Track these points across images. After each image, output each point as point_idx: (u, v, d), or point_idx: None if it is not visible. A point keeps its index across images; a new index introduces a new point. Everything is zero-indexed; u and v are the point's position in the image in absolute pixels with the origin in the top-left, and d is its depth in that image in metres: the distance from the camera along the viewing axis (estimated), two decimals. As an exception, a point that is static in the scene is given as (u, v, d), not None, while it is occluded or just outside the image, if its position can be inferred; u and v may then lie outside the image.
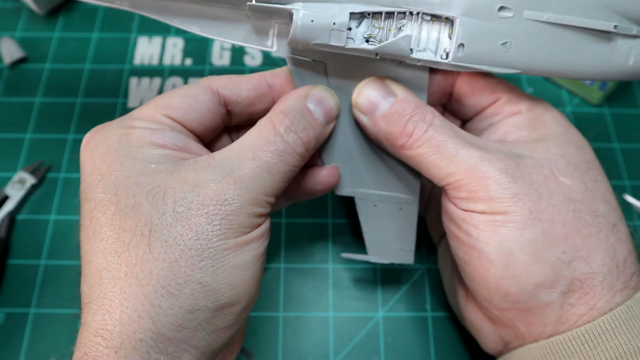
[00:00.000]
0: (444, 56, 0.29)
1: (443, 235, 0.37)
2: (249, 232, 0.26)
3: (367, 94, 0.30)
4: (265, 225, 0.27)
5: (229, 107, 0.30)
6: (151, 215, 0.24)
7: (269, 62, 0.49)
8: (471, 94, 0.32)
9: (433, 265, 0.40)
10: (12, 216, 0.40)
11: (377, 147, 0.32)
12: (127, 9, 0.30)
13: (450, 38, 0.29)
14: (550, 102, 0.48)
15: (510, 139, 0.30)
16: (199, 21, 0.30)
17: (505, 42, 0.29)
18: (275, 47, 0.30)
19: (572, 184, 0.28)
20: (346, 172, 0.33)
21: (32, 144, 0.44)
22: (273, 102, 0.30)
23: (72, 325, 0.37)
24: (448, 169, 0.28)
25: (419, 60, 0.29)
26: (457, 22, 0.28)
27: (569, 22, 0.29)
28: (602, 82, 0.44)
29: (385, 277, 0.39)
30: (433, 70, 0.31)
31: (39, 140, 0.44)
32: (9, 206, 0.40)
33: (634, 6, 0.29)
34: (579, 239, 0.26)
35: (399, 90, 0.30)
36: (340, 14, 0.27)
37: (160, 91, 0.47)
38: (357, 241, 0.41)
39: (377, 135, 0.30)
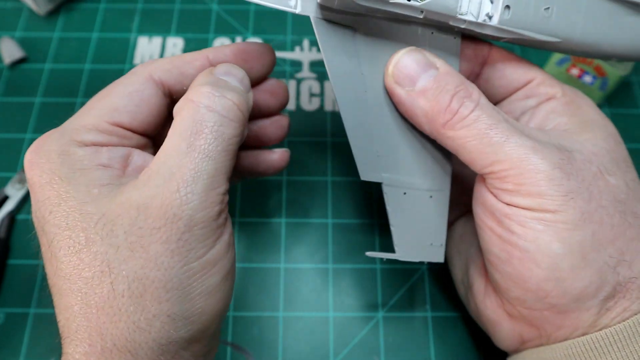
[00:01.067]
0: (487, 20, 0.28)
1: (453, 221, 0.36)
2: (213, 247, 0.24)
3: (407, 64, 0.27)
4: (227, 232, 0.25)
5: (175, 97, 0.28)
6: (106, 252, 0.22)
7: (269, 62, 0.49)
8: (504, 71, 0.30)
9: (433, 265, 0.40)
10: (12, 216, 0.40)
11: (407, 127, 0.29)
12: None
13: (492, 2, 0.27)
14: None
15: (549, 127, 0.29)
16: None
17: (548, 8, 0.28)
18: (300, 7, 0.26)
19: (617, 184, 0.26)
20: (372, 154, 0.29)
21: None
22: None
23: (72, 325, 0.37)
24: (495, 156, 0.25)
25: (464, 21, 0.27)
26: None
27: None
28: (602, 82, 0.44)
29: (385, 277, 0.39)
30: (464, 43, 0.29)
31: (39, 140, 0.44)
32: (9, 206, 0.40)
33: None
34: (624, 241, 0.25)
35: (440, 63, 0.27)
36: None
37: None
38: (357, 241, 0.41)
39: (415, 111, 0.27)
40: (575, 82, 0.46)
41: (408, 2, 0.26)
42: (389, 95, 0.28)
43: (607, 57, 0.32)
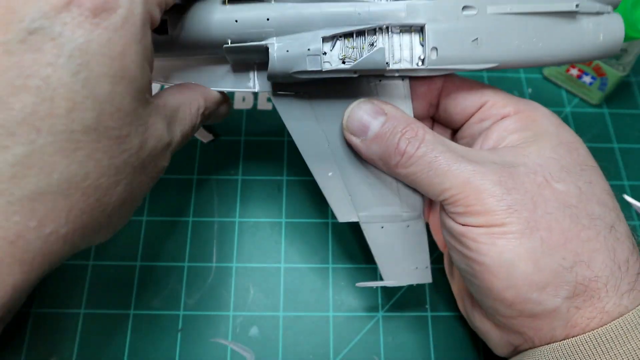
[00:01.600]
0: (420, 63, 0.30)
1: None
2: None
3: (357, 116, 0.30)
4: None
5: None
6: None
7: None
8: (458, 99, 0.32)
9: (432, 265, 0.40)
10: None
11: (371, 167, 0.32)
12: None
13: (422, 45, 0.30)
14: (550, 103, 0.48)
15: (502, 145, 0.30)
16: (181, 74, 0.32)
17: (476, 39, 0.30)
18: (257, 87, 0.32)
19: (566, 189, 0.28)
20: (345, 198, 0.32)
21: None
22: None
23: (72, 325, 0.37)
24: (442, 185, 0.28)
25: (397, 70, 0.30)
26: (426, 28, 0.29)
27: (531, 9, 0.30)
28: (601, 82, 0.45)
29: (385, 277, 0.39)
30: (416, 82, 0.32)
31: (40, 140, 0.44)
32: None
33: None
34: (578, 243, 0.26)
35: (388, 108, 0.30)
36: (313, 40, 0.28)
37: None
38: (357, 241, 0.41)
39: (371, 157, 0.30)
40: (574, 82, 0.47)
41: (341, 67, 0.29)
42: (348, 144, 0.31)
43: (552, 65, 0.34)
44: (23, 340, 0.37)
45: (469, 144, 0.32)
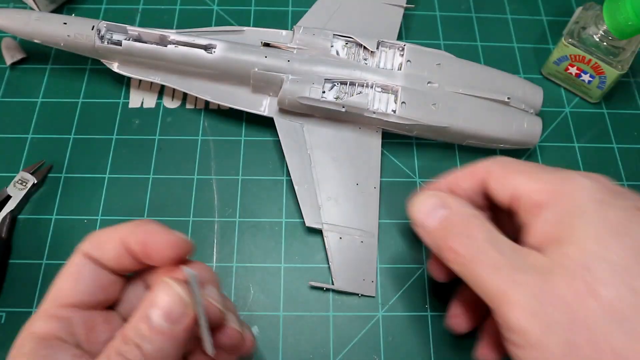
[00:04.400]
0: (392, 112, 0.40)
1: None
2: None
3: (424, 207, 0.31)
4: None
5: (109, 268, 0.29)
6: None
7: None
8: (494, 192, 0.31)
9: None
10: (13, 216, 0.41)
11: (343, 193, 0.40)
12: (158, 82, 0.43)
13: (395, 102, 0.41)
14: (549, 102, 0.48)
15: (540, 239, 0.27)
16: (211, 92, 0.43)
17: (435, 104, 0.40)
18: (267, 111, 0.42)
19: (615, 295, 0.23)
20: (315, 209, 0.39)
21: (33, 144, 0.44)
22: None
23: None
24: (486, 291, 0.27)
25: (374, 112, 0.40)
26: (399, 89, 0.41)
27: (476, 93, 0.42)
28: (600, 80, 0.45)
29: (385, 276, 0.40)
30: (462, 176, 0.33)
31: (40, 140, 0.44)
32: (10, 206, 0.41)
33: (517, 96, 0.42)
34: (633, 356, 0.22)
35: (453, 202, 0.30)
36: (317, 79, 0.40)
37: (161, 91, 0.47)
38: (357, 241, 0.41)
39: (429, 244, 0.31)
40: (573, 81, 0.47)
41: (334, 101, 0.40)
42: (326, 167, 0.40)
43: (491, 141, 0.42)
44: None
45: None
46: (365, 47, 0.42)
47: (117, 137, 0.44)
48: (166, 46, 0.41)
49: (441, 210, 0.30)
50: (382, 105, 0.40)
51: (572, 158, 0.45)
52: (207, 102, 0.46)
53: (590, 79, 0.45)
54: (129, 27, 0.41)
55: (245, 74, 0.41)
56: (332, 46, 0.42)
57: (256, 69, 0.40)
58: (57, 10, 0.51)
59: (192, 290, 0.26)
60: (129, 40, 0.41)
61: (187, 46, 0.41)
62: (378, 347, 0.37)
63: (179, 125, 0.45)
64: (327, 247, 0.39)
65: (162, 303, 0.25)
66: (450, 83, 0.41)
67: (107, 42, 0.41)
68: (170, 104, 0.46)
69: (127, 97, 0.46)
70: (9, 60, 0.47)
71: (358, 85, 0.41)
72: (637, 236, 0.24)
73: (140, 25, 0.50)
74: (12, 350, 0.26)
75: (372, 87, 0.41)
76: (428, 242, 0.31)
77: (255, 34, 0.44)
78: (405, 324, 0.38)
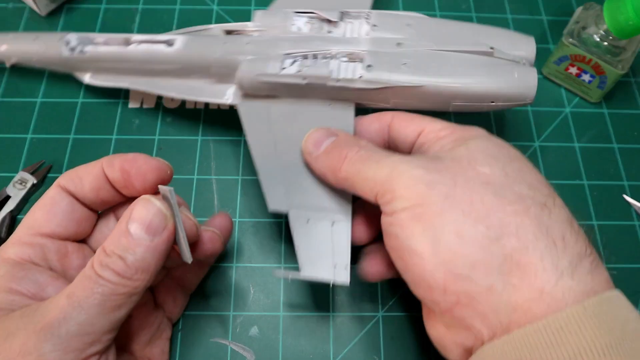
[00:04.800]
0: (358, 77, 0.36)
1: None
2: None
3: (313, 137, 0.34)
4: None
5: (84, 202, 0.31)
6: None
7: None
8: (399, 132, 0.34)
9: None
10: (13, 216, 0.41)
11: (310, 173, 0.35)
12: (126, 87, 0.42)
13: (362, 69, 0.36)
14: (550, 102, 0.48)
15: (433, 150, 0.32)
16: (176, 88, 0.41)
17: (405, 63, 0.36)
18: (231, 99, 0.40)
19: (492, 172, 0.27)
20: (280, 191, 0.35)
21: (33, 144, 0.44)
22: (128, 186, 0.30)
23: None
24: (375, 178, 0.29)
25: (338, 79, 0.36)
26: (365, 53, 0.37)
27: (453, 49, 0.37)
28: (600, 80, 0.45)
29: (385, 276, 0.40)
30: (369, 120, 0.36)
31: (40, 140, 0.44)
32: (10, 206, 0.41)
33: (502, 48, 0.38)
34: (503, 215, 0.26)
35: (340, 132, 0.34)
36: (276, 55, 0.38)
37: (161, 91, 0.47)
38: (357, 241, 0.41)
39: (321, 169, 0.33)
40: (573, 81, 0.47)
41: (291, 73, 0.37)
42: (306, 164, 0.35)
43: (478, 99, 0.36)
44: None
45: None
46: (329, 20, 0.39)
47: (117, 137, 0.44)
48: (128, 46, 0.40)
49: (332, 136, 0.33)
50: (349, 73, 0.36)
51: (572, 158, 0.45)
52: (207, 103, 0.46)
53: (591, 79, 0.45)
54: (95, 35, 0.41)
55: (207, 64, 0.39)
56: (293, 24, 0.40)
57: (215, 56, 0.39)
58: (57, 10, 0.51)
59: (170, 205, 0.27)
60: (95, 46, 0.41)
61: (148, 43, 0.40)
62: (378, 347, 0.37)
63: (179, 125, 0.45)
64: (292, 231, 0.34)
65: (142, 216, 0.27)
66: (423, 42, 0.38)
67: (76, 52, 0.41)
68: (170, 104, 0.46)
69: (127, 97, 0.46)
70: (8, 61, 0.47)
71: (321, 57, 0.37)
72: (515, 151, 0.30)
73: (140, 26, 0.50)
74: None
75: (336, 57, 0.37)
76: (316, 169, 0.34)
77: (221, 28, 0.42)
78: (405, 324, 0.38)
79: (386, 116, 0.35)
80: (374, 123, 0.36)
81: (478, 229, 0.26)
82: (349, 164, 0.31)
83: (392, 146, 0.35)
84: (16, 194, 0.41)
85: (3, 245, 0.29)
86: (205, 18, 0.51)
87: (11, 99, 0.46)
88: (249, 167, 0.43)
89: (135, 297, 0.27)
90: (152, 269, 0.27)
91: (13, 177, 0.42)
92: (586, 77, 0.45)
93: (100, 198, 0.31)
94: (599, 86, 0.45)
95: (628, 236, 0.42)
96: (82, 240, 0.32)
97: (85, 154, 0.44)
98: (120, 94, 0.46)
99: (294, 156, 0.36)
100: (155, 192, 0.29)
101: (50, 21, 0.50)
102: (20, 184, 0.41)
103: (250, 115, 0.38)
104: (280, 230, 0.41)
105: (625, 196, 0.43)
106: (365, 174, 0.30)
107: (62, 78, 0.47)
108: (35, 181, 0.42)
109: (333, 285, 0.35)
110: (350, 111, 0.37)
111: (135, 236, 0.26)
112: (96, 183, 0.30)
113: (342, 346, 0.37)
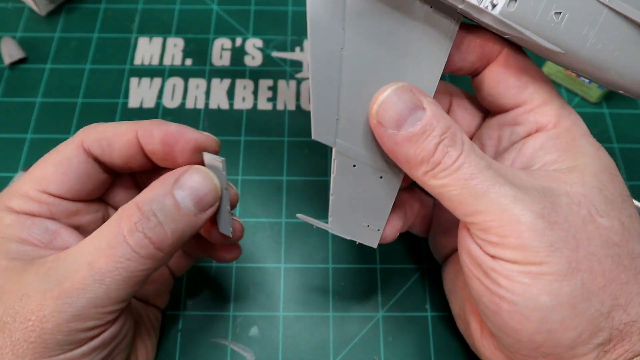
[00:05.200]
0: (490, 7, 0.25)
1: (449, 255, 0.35)
2: (72, 350, 0.24)
3: (393, 106, 0.25)
4: (103, 336, 0.25)
5: (106, 167, 0.28)
6: None
7: (269, 62, 0.49)
8: (499, 83, 0.28)
9: (433, 265, 0.40)
10: (12, 216, 0.40)
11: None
12: None
13: None
14: (550, 102, 0.48)
15: (537, 165, 0.28)
16: None
17: (560, 12, 0.25)
18: None
19: (610, 225, 0.25)
20: (332, 115, 0.27)
21: (32, 144, 0.44)
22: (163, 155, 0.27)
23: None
24: (476, 206, 0.25)
25: (463, 1, 0.25)
26: None
27: (630, 13, 0.26)
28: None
29: (385, 277, 0.39)
30: (478, 32, 0.28)
31: (40, 140, 0.44)
32: (9, 206, 0.40)
33: None
34: (617, 286, 0.24)
35: (428, 103, 0.25)
36: None
37: (161, 91, 0.47)
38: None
39: (397, 155, 0.26)
40: (573, 80, 0.47)
41: None
42: (372, 130, 0.27)
43: (612, 85, 0.29)
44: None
45: (497, 148, 0.30)
46: None
47: (116, 137, 0.44)
48: None
49: (418, 111, 0.25)
50: None
51: (572, 158, 0.45)
52: (207, 102, 0.46)
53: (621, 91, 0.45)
54: None
55: None
56: None
57: None
58: (57, 10, 0.51)
59: (217, 176, 0.25)
60: None
61: None
62: (378, 347, 0.37)
63: (179, 125, 0.45)
64: (333, 172, 0.28)
65: (195, 187, 0.25)
66: None
67: None
68: (169, 103, 0.46)
69: (126, 97, 0.46)
70: (7, 60, 0.47)
71: None
72: (621, 181, 0.27)
73: (139, 26, 0.50)
74: None
75: None
76: (397, 150, 0.26)
77: None
78: (405, 324, 0.38)
79: (496, 45, 0.28)
80: (477, 38, 0.28)
81: (593, 304, 0.24)
82: (442, 175, 0.25)
83: (477, 84, 0.30)
84: (16, 194, 0.41)
85: (4, 192, 0.27)
86: (205, 18, 0.51)
87: (10, 99, 0.46)
88: (249, 167, 0.43)
89: (155, 271, 0.25)
90: (182, 245, 0.25)
91: (12, 177, 0.42)
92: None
93: (129, 166, 0.28)
94: (599, 86, 0.45)
95: (628, 236, 0.42)
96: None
97: (85, 154, 0.44)
98: (120, 94, 0.46)
99: (359, 73, 0.26)
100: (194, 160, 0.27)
101: (50, 21, 0.50)
102: (20, 184, 0.41)
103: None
104: (280, 230, 0.41)
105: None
106: (464, 198, 0.25)
107: (62, 78, 0.47)
108: (34, 181, 0.42)
109: (359, 243, 0.31)
110: (454, 29, 0.27)
111: (184, 206, 0.24)
112: (127, 151, 0.27)
113: (342, 346, 0.37)
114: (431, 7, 0.26)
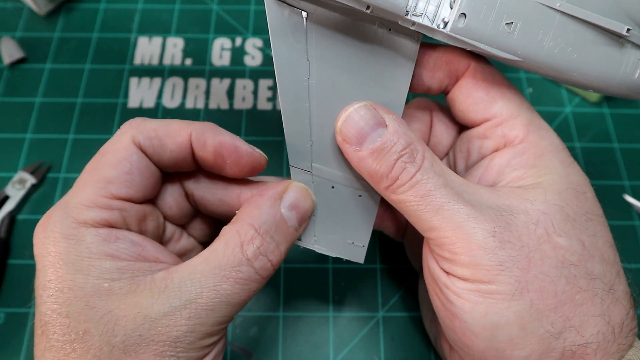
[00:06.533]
0: (442, 26, 0.26)
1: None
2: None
3: (355, 123, 0.26)
4: (217, 348, 0.26)
5: (155, 164, 0.27)
6: (101, 348, 0.23)
7: (269, 62, 0.49)
8: (468, 99, 0.29)
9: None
10: (12, 216, 0.40)
11: None
12: None
13: (451, 8, 0.25)
14: (550, 102, 0.48)
15: (504, 181, 0.28)
16: None
17: (511, 23, 0.26)
18: None
19: (569, 244, 0.25)
20: (305, 142, 0.28)
21: (32, 144, 0.44)
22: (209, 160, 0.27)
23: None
24: (431, 222, 0.25)
25: (413, 23, 0.26)
26: None
27: (581, 15, 0.26)
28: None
29: (385, 277, 0.39)
30: (444, 51, 0.28)
31: (39, 140, 0.44)
32: (9, 206, 0.40)
33: None
34: (570, 307, 0.24)
35: (390, 120, 0.26)
36: None
37: (161, 91, 0.47)
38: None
39: (360, 170, 0.27)
40: (575, 82, 0.46)
41: None
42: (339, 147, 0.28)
43: (579, 85, 0.29)
44: (23, 340, 0.36)
45: (466, 161, 0.31)
46: None
47: (116, 137, 0.44)
48: None
49: (380, 128, 0.26)
50: (431, 8, 0.26)
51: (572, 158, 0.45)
52: (206, 102, 0.46)
53: (592, 90, 0.45)
54: None
55: None
56: None
57: None
58: (56, 9, 0.51)
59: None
60: None
61: None
62: (378, 347, 0.37)
63: (179, 125, 0.45)
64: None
65: (300, 205, 0.26)
66: None
67: None
68: (169, 103, 0.46)
69: (126, 96, 0.46)
70: (7, 60, 0.47)
71: None
72: (590, 199, 0.27)
73: (139, 26, 0.50)
74: (58, 246, 0.24)
75: None
76: (361, 165, 0.26)
77: None
78: (405, 324, 0.38)
79: (462, 60, 0.28)
80: (444, 55, 0.28)
81: (542, 325, 0.24)
82: (400, 190, 0.26)
83: (449, 100, 0.30)
84: (15, 194, 0.41)
85: (67, 205, 0.25)
86: (205, 18, 0.50)
87: (10, 99, 0.46)
88: (249, 167, 0.43)
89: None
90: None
91: (12, 177, 0.42)
92: (586, 77, 0.45)
93: (178, 167, 0.27)
94: (599, 86, 0.45)
95: (628, 236, 0.42)
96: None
97: (85, 153, 0.44)
98: (120, 94, 0.46)
99: (330, 101, 0.28)
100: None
101: (49, 21, 0.50)
102: (20, 183, 0.41)
103: (282, 19, 0.26)
104: (280, 230, 0.41)
105: (625, 196, 0.43)
106: (421, 213, 0.25)
107: (61, 78, 0.47)
108: (34, 181, 0.42)
109: (347, 260, 0.32)
110: (414, 49, 0.28)
111: (289, 223, 0.25)
112: (179, 153, 0.27)
113: (342, 346, 0.37)
114: (389, 30, 0.27)
